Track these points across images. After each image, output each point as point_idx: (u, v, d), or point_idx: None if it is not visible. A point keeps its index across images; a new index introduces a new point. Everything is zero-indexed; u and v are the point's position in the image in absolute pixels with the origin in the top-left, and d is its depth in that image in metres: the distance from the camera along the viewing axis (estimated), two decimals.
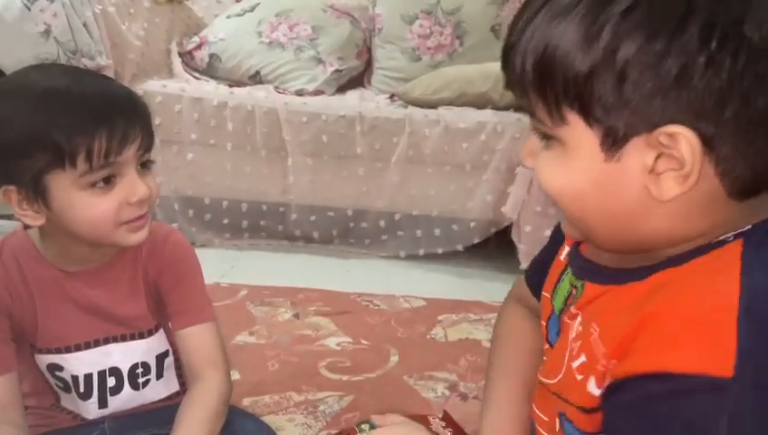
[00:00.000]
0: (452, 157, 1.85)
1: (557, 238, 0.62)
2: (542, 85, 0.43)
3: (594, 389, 0.46)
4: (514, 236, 1.82)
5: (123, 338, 0.77)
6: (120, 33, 1.84)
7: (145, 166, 0.70)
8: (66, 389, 0.77)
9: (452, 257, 1.90)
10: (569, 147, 0.44)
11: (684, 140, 0.40)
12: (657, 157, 0.41)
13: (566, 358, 0.49)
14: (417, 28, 2.21)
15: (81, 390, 0.76)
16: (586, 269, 0.52)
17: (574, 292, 0.53)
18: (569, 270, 0.55)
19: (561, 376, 0.50)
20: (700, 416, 0.38)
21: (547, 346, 0.57)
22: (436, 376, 1.24)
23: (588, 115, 0.42)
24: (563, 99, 0.42)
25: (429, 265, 1.89)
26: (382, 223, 1.94)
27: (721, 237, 0.43)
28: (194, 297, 0.78)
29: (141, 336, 0.77)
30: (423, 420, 0.99)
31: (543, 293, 0.60)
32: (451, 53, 2.21)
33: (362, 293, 1.64)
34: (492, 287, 1.75)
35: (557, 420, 0.51)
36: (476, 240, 1.88)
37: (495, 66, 1.85)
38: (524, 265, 1.80)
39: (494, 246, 1.92)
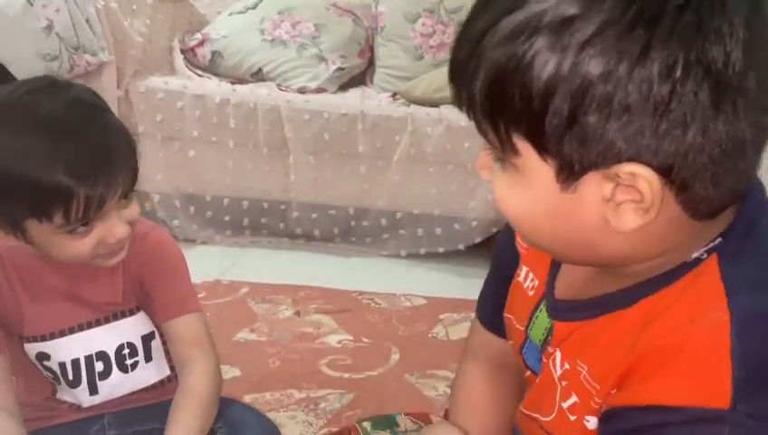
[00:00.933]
0: (454, 156, 1.84)
1: (502, 262, 0.60)
2: (492, 114, 0.40)
3: (595, 425, 0.45)
4: None
5: (107, 320, 0.77)
6: (123, 29, 1.84)
7: (129, 200, 0.70)
8: (56, 379, 0.77)
9: (453, 256, 1.90)
10: (524, 174, 0.41)
11: (642, 179, 0.38)
12: (616, 186, 0.39)
13: (558, 397, 0.49)
14: (420, 27, 2.20)
15: (71, 377, 0.76)
16: (555, 308, 0.51)
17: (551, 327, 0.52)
18: (544, 304, 0.53)
19: (554, 414, 0.49)
20: None
21: (529, 373, 0.56)
22: (438, 374, 1.24)
23: (540, 148, 0.39)
24: (514, 129, 0.39)
25: (430, 264, 1.88)
26: (384, 221, 1.93)
27: (694, 255, 0.42)
28: (177, 290, 0.78)
29: (123, 315, 0.78)
30: (425, 418, 0.98)
31: (506, 314, 0.58)
32: None
33: (363, 291, 1.63)
34: None
35: None
36: (478, 239, 1.88)
37: None
38: None
39: (496, 245, 1.91)
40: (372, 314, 1.51)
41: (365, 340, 1.38)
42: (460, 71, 0.41)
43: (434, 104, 1.89)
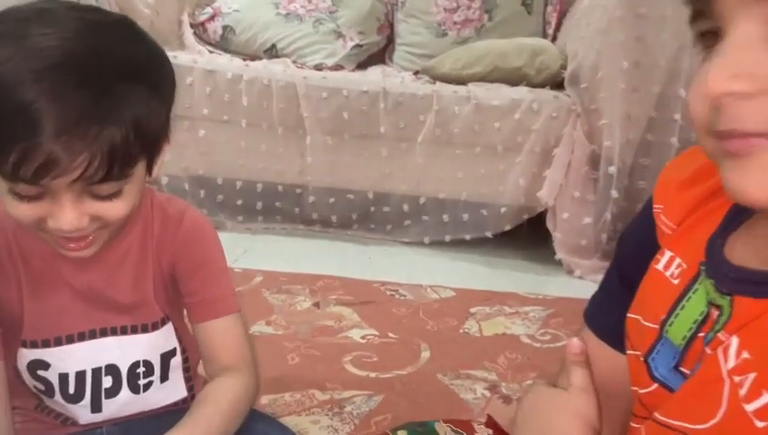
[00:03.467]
0: (483, 137, 1.72)
1: (629, 257, 0.50)
2: None
3: None
4: (549, 224, 1.70)
5: (123, 331, 0.65)
6: (130, 0, 1.73)
7: (112, 195, 0.53)
8: (49, 392, 0.65)
9: (480, 245, 1.78)
10: None
11: None
12: None
13: (726, 397, 0.36)
14: (444, 1, 2.08)
15: (71, 391, 0.64)
16: (739, 280, 0.39)
17: (715, 314, 0.40)
18: (700, 286, 0.42)
19: (717, 420, 0.37)
20: None
21: (654, 387, 0.44)
22: (474, 375, 1.12)
23: None
24: None
25: (456, 253, 1.77)
26: (406, 207, 1.82)
27: None
28: (216, 285, 0.66)
29: (145, 330, 0.66)
30: (466, 426, 0.89)
31: (632, 315, 0.48)
32: (479, 28, 2.07)
33: (386, 281, 1.52)
34: (523, 279, 1.63)
35: None
36: (507, 227, 1.76)
37: (530, 41, 1.69)
38: (560, 254, 1.68)
39: (527, 233, 1.80)
40: (397, 307, 1.39)
41: (391, 335, 1.26)
42: None
43: (461, 81, 1.77)
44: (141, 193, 0.58)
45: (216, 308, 0.66)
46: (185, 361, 0.70)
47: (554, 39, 2.02)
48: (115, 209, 0.54)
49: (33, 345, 0.63)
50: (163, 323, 0.66)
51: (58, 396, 0.65)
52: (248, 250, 1.68)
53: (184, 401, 0.71)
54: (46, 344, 0.63)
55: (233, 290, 0.68)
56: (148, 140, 0.53)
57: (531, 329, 1.32)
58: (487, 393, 1.07)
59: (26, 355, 0.63)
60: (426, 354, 1.19)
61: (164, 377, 0.68)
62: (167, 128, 0.58)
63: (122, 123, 0.50)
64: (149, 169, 0.57)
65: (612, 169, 1.63)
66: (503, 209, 1.75)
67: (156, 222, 0.65)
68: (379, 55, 2.15)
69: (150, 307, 0.65)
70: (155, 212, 0.65)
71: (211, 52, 1.99)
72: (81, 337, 0.64)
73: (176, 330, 0.68)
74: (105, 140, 0.49)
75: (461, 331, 1.31)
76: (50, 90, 0.47)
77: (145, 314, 0.65)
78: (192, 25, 2.06)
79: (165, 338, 0.67)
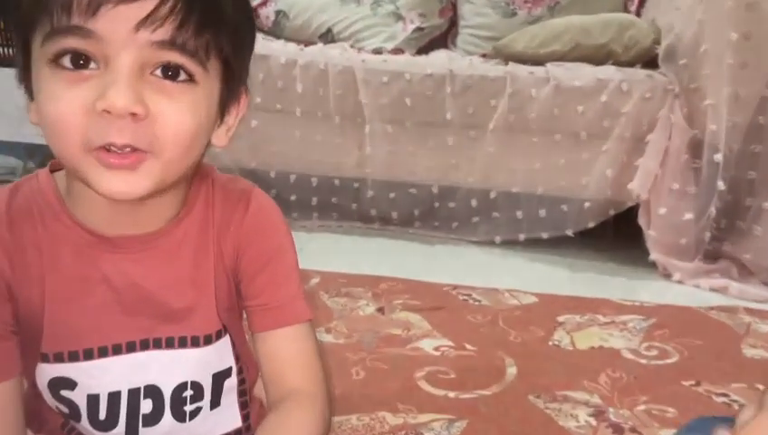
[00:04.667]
0: (563, 123, 1.54)
1: None
2: None
3: None
4: (642, 220, 1.50)
5: (170, 344, 0.52)
6: None
7: (179, 82, 0.44)
8: (74, 416, 0.52)
9: (559, 245, 1.59)
10: None
11: None
12: None
13: None
14: None
15: (102, 416, 0.52)
16: None
17: None
18: None
19: None
20: None
21: None
22: (573, 397, 0.95)
23: None
24: None
25: (532, 254, 1.59)
26: (474, 202, 1.65)
27: None
28: (285, 286, 0.54)
29: (196, 344, 0.52)
30: None
31: None
32: (553, 6, 1.88)
33: (457, 285, 1.35)
34: (611, 283, 1.44)
35: None
36: (591, 224, 1.56)
37: (615, 15, 1.45)
38: (654, 256, 1.48)
39: (613, 232, 1.60)
40: (473, 314, 1.23)
41: (469, 347, 1.10)
42: None
43: (538, 62, 1.59)
44: (208, 130, 0.48)
45: (285, 315, 0.53)
46: (241, 382, 0.56)
47: (638, 15, 1.81)
48: (175, 116, 0.44)
49: (58, 359, 0.51)
50: (219, 336, 0.53)
51: (85, 422, 0.52)
52: (303, 249, 1.54)
53: (237, 431, 0.58)
54: (73, 358, 0.51)
55: (302, 292, 0.55)
56: (228, 40, 0.45)
57: (632, 342, 1.13)
58: (593, 421, 0.89)
59: (47, 371, 0.51)
60: (512, 371, 1.02)
61: (215, 402, 0.55)
62: (246, 62, 0.50)
63: None
64: (222, 110, 0.49)
65: (718, 157, 1.41)
66: (586, 204, 1.56)
67: (217, 205, 0.53)
68: (440, 40, 1.99)
69: (207, 314, 0.53)
70: (216, 192, 0.53)
71: (264, 38, 1.88)
72: (117, 350, 0.51)
73: (233, 345, 0.55)
74: None
75: (550, 343, 1.13)
76: None
77: (199, 323, 0.53)
78: None
79: (220, 355, 0.54)
